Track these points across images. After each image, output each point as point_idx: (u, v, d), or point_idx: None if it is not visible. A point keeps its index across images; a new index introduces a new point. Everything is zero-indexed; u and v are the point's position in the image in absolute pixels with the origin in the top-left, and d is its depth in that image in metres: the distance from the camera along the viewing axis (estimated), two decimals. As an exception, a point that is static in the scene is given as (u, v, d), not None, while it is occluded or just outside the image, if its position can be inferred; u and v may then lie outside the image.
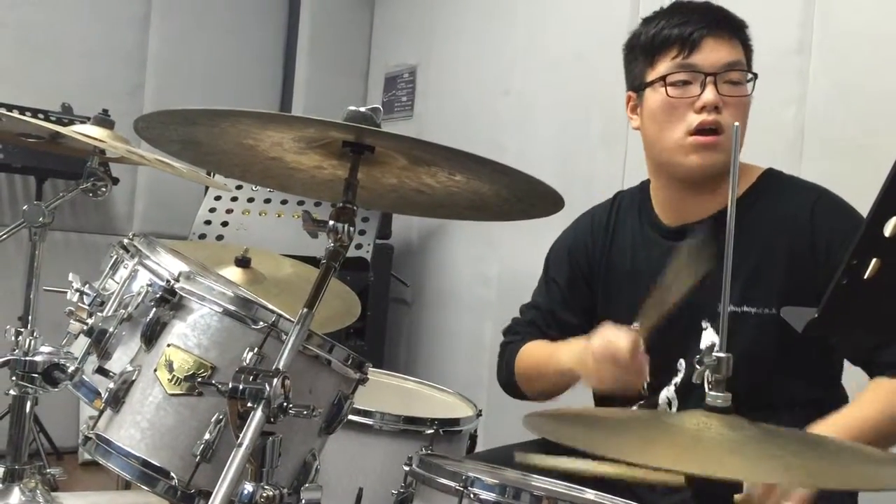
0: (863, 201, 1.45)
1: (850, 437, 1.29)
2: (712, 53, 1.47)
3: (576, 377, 1.50)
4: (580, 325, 1.71)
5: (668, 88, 1.48)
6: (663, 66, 1.50)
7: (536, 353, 1.67)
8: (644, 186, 1.66)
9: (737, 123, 0.99)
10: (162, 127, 1.11)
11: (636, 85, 1.57)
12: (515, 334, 1.76)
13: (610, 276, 1.64)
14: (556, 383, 1.60)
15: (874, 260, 0.79)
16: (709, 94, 1.45)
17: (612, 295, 1.64)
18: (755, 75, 1.50)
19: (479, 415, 1.73)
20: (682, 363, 1.52)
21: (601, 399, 1.68)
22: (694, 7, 1.52)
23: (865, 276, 0.79)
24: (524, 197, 1.13)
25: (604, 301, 1.66)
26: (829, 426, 1.32)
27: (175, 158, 1.31)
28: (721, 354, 0.91)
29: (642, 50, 1.54)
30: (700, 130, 1.46)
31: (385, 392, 1.87)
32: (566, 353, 1.52)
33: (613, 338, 1.36)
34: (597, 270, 1.67)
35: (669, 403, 1.53)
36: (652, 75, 1.52)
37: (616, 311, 1.62)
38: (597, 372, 1.38)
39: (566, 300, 1.71)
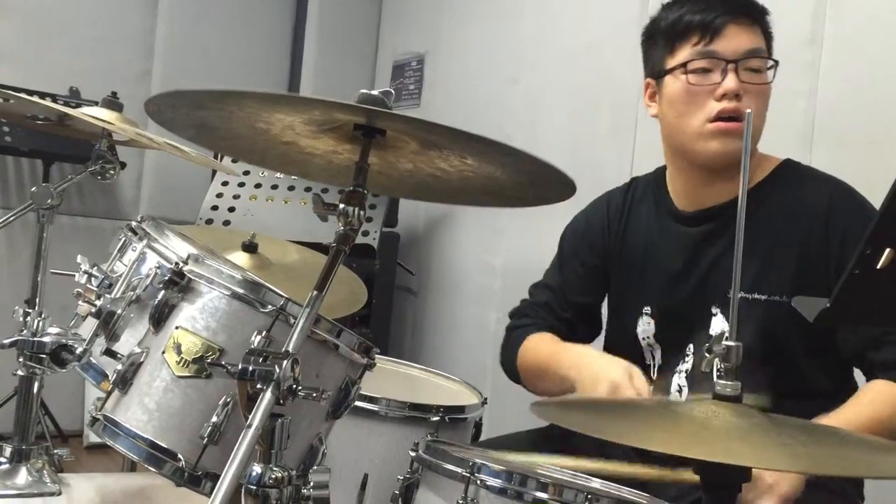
0: (872, 193, 1.46)
1: None
2: (733, 40, 1.46)
3: (575, 390, 1.48)
4: (594, 304, 1.71)
5: (689, 76, 1.47)
6: (684, 54, 1.49)
7: (541, 351, 1.64)
8: (659, 172, 1.66)
9: (749, 110, 0.99)
10: (172, 110, 1.11)
11: (655, 72, 1.56)
12: (524, 317, 1.76)
13: (624, 260, 1.64)
14: (555, 385, 1.58)
15: (888, 250, 0.79)
16: (730, 82, 1.44)
17: (625, 278, 1.64)
18: (776, 62, 1.50)
19: (484, 402, 1.74)
20: (690, 348, 1.52)
21: None
22: None
23: (878, 266, 0.79)
24: (537, 181, 1.13)
25: (617, 283, 1.66)
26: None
27: (185, 142, 1.30)
28: (731, 343, 0.91)
29: (662, 36, 1.53)
30: (721, 117, 1.46)
31: (390, 379, 1.87)
32: (570, 362, 1.50)
33: (624, 389, 1.36)
34: (612, 253, 1.67)
35: (680, 390, 1.53)
36: (672, 62, 1.51)
37: (629, 294, 1.62)
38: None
39: (581, 281, 1.71)
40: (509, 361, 1.73)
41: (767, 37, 1.52)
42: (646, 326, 1.58)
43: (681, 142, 1.53)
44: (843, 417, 1.35)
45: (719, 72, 1.46)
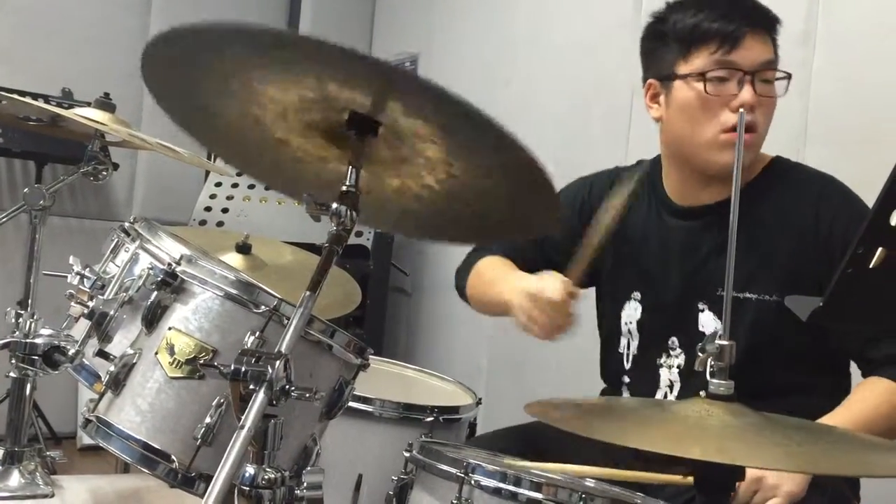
0: (866, 192, 1.46)
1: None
2: (751, 51, 1.44)
3: (510, 310, 1.53)
4: (560, 266, 1.70)
5: (707, 84, 1.44)
6: (701, 61, 1.45)
7: (491, 270, 1.70)
8: (656, 162, 1.64)
9: (741, 110, 0.99)
10: (165, 76, 1.08)
11: (663, 75, 1.52)
12: (488, 251, 1.77)
13: (620, 248, 1.63)
14: (494, 308, 1.64)
15: (880, 249, 0.79)
16: (746, 94, 1.43)
17: (620, 266, 1.64)
18: (789, 75, 1.48)
19: (478, 403, 1.74)
20: (674, 341, 1.53)
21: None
22: (732, 0, 1.48)
23: (871, 266, 0.79)
24: (524, 189, 1.10)
25: (612, 270, 1.65)
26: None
27: (178, 142, 1.30)
28: (724, 342, 0.91)
29: (675, 39, 1.49)
30: (735, 129, 1.43)
31: (385, 379, 1.87)
32: (510, 285, 1.55)
33: (547, 283, 1.43)
34: (581, 241, 1.66)
35: (671, 386, 1.53)
36: (686, 68, 1.47)
37: (623, 283, 1.63)
38: (526, 313, 1.45)
39: (558, 239, 1.67)
40: (461, 278, 1.78)
41: (776, 48, 1.51)
42: (631, 312, 1.59)
43: (689, 149, 1.51)
44: (842, 417, 1.34)
45: (735, 82, 1.44)
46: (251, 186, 3.20)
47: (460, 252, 3.28)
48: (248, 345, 1.04)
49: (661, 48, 1.53)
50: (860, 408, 1.37)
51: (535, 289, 1.44)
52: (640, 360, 1.57)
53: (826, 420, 1.34)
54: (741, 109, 1.00)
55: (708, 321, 1.50)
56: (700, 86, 1.45)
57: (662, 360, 1.55)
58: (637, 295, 1.59)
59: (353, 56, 0.91)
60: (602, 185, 1.68)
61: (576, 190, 1.74)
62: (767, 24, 1.48)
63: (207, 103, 1.13)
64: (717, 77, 1.45)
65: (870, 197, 1.18)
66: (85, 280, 1.27)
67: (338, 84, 1.00)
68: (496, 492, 1.08)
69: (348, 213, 1.05)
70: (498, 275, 1.66)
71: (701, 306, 1.50)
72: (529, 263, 1.69)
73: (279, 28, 0.99)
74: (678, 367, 1.53)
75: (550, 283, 1.43)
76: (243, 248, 1.81)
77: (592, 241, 1.44)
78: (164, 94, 1.13)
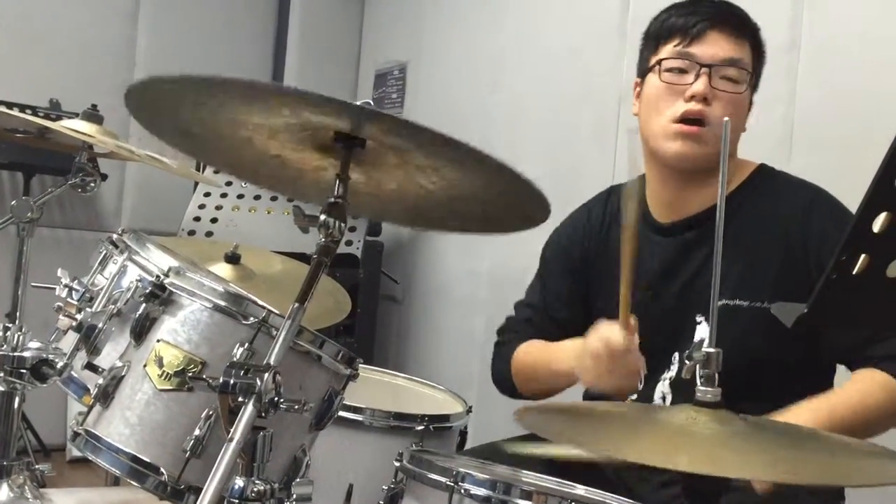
0: (850, 199, 1.46)
1: (822, 420, 1.30)
2: (713, 46, 1.48)
3: (574, 378, 1.51)
4: (577, 321, 1.71)
5: (663, 73, 1.50)
6: (663, 53, 1.51)
7: (533, 353, 1.67)
8: (642, 180, 1.66)
9: (726, 118, 1.00)
10: (152, 111, 1.10)
11: (640, 71, 1.59)
12: (513, 332, 1.76)
13: (605, 273, 1.64)
14: (554, 384, 1.62)
15: (863, 256, 0.80)
16: (699, 85, 1.46)
17: (607, 291, 1.64)
18: (751, 74, 1.50)
19: (469, 411, 1.73)
20: (675, 357, 1.53)
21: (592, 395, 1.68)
22: (709, 1, 1.54)
23: (854, 272, 0.80)
24: (515, 196, 1.11)
25: (600, 297, 1.66)
26: (803, 409, 1.32)
27: (166, 153, 1.30)
28: (710, 350, 0.91)
29: (650, 37, 1.56)
30: (685, 119, 1.47)
31: (375, 388, 1.87)
32: (563, 354, 1.53)
33: (607, 331, 1.38)
34: (593, 266, 1.67)
35: (664, 398, 1.53)
36: (653, 61, 1.53)
37: (610, 307, 1.62)
38: (595, 369, 1.39)
39: (562, 297, 1.71)
40: (502, 372, 1.73)
41: (756, 53, 1.53)
42: None
43: (649, 140, 1.55)
44: (830, 401, 1.36)
45: (693, 74, 1.47)
46: (240, 196, 3.19)
47: (452, 260, 3.30)
48: (237, 357, 1.04)
49: (643, 48, 1.60)
50: (849, 395, 1.38)
51: (595, 344, 1.39)
52: (649, 378, 1.57)
53: (814, 402, 1.34)
54: (726, 119, 1.00)
55: (703, 333, 1.50)
56: (659, 75, 1.50)
57: (662, 375, 1.55)
58: (630, 320, 1.58)
59: (318, 99, 0.93)
60: (599, 212, 1.69)
61: (573, 225, 1.74)
62: (735, 23, 1.51)
63: (197, 131, 1.14)
64: (676, 68, 1.49)
65: (854, 203, 1.20)
66: (73, 292, 1.26)
67: (313, 113, 1.01)
68: (486, 500, 1.08)
69: (336, 224, 1.05)
70: (544, 351, 1.64)
71: (699, 318, 1.51)
72: (552, 339, 1.68)
73: (245, 79, 1.01)
74: (670, 378, 1.53)
75: (608, 332, 1.39)
76: (232, 258, 1.81)
77: (626, 281, 1.39)
78: (151, 123, 1.13)
